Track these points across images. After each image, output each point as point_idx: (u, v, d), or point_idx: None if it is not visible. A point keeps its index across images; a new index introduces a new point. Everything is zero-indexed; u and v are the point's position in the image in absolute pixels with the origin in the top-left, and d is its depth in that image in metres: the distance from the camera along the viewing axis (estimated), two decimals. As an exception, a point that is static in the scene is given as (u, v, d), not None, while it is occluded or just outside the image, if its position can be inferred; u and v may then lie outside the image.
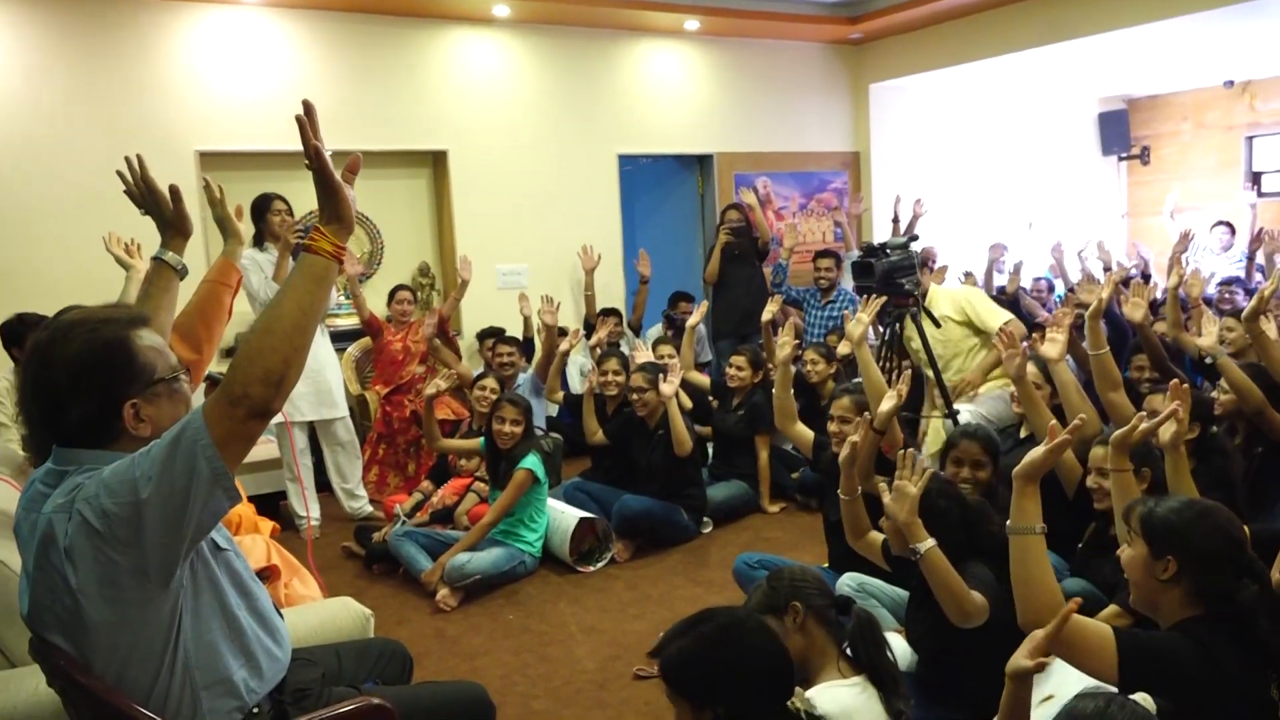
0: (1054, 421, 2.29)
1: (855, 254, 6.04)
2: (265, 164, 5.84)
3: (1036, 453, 2.07)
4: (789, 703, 1.68)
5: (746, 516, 5.09)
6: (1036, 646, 1.76)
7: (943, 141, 8.57)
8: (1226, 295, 6.16)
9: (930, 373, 4.60)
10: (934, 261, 7.37)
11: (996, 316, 4.58)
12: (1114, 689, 1.80)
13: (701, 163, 7.66)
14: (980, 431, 3.33)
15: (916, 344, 4.60)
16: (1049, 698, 2.32)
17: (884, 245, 4.66)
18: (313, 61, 5.97)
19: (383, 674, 2.24)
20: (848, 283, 6.67)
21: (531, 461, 4.30)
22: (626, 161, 7.24)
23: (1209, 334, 3.74)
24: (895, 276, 4.56)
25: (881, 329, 5.03)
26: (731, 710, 1.69)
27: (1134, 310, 4.11)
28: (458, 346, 6.30)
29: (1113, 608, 2.71)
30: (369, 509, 5.24)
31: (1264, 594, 1.91)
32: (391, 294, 6.01)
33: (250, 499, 4.36)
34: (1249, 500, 3.40)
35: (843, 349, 5.26)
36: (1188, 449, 3.20)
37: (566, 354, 5.38)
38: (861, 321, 3.80)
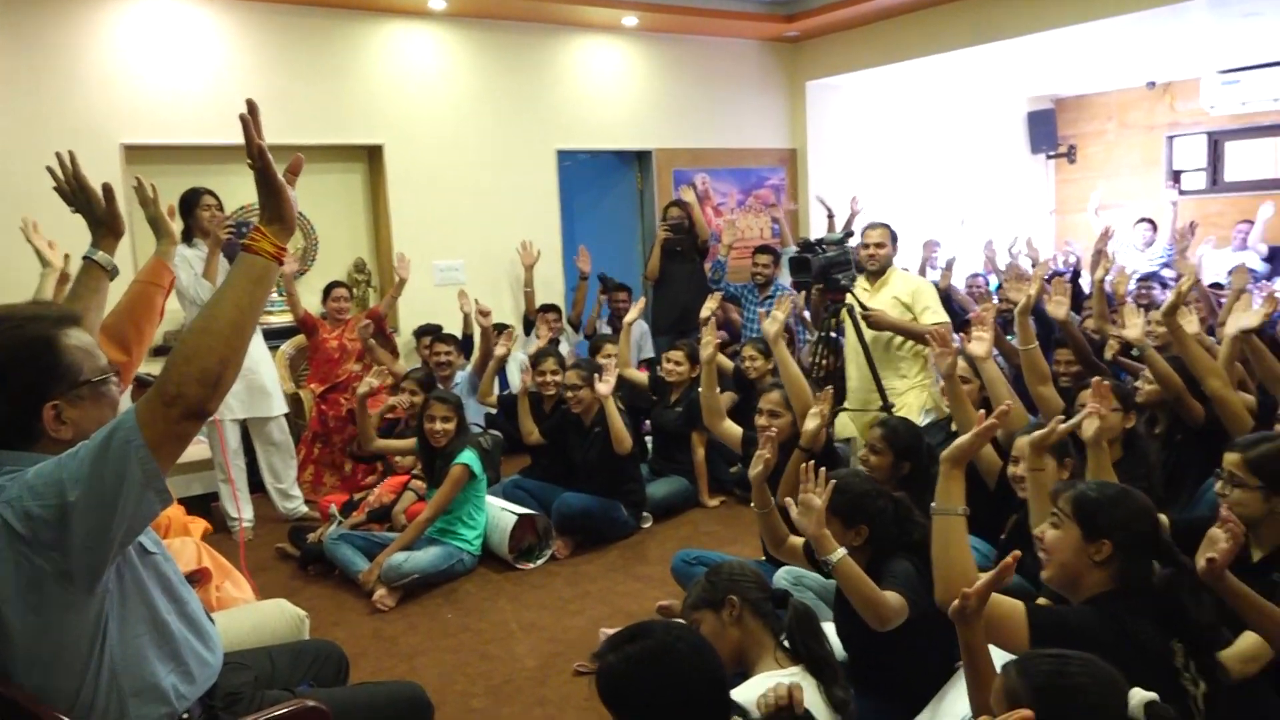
0: (980, 412, 2.35)
1: (793, 250, 6.11)
2: (193, 158, 5.70)
3: (964, 439, 2.15)
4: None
5: (686, 511, 5.12)
6: (973, 590, 1.80)
7: (878, 139, 8.70)
8: (1144, 290, 6.36)
9: (857, 367, 4.66)
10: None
11: (933, 315, 4.55)
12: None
13: (640, 159, 7.67)
14: (890, 421, 3.41)
15: (854, 339, 4.65)
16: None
17: (821, 241, 4.72)
18: (244, 53, 5.84)
19: (318, 676, 2.21)
20: (786, 279, 6.75)
21: (468, 457, 4.27)
22: (565, 157, 7.22)
23: (1135, 326, 3.85)
24: (832, 272, 4.62)
25: (815, 326, 5.10)
26: None
27: (1056, 308, 4.22)
28: (395, 345, 6.24)
29: (1044, 600, 2.78)
30: (304, 509, 5.16)
31: (1180, 574, 2.00)
32: (327, 291, 5.92)
33: (180, 500, 4.27)
34: (1167, 488, 3.53)
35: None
36: (1119, 438, 3.32)
37: (503, 358, 5.32)
38: (776, 320, 3.80)
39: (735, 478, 5.27)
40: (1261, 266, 7.69)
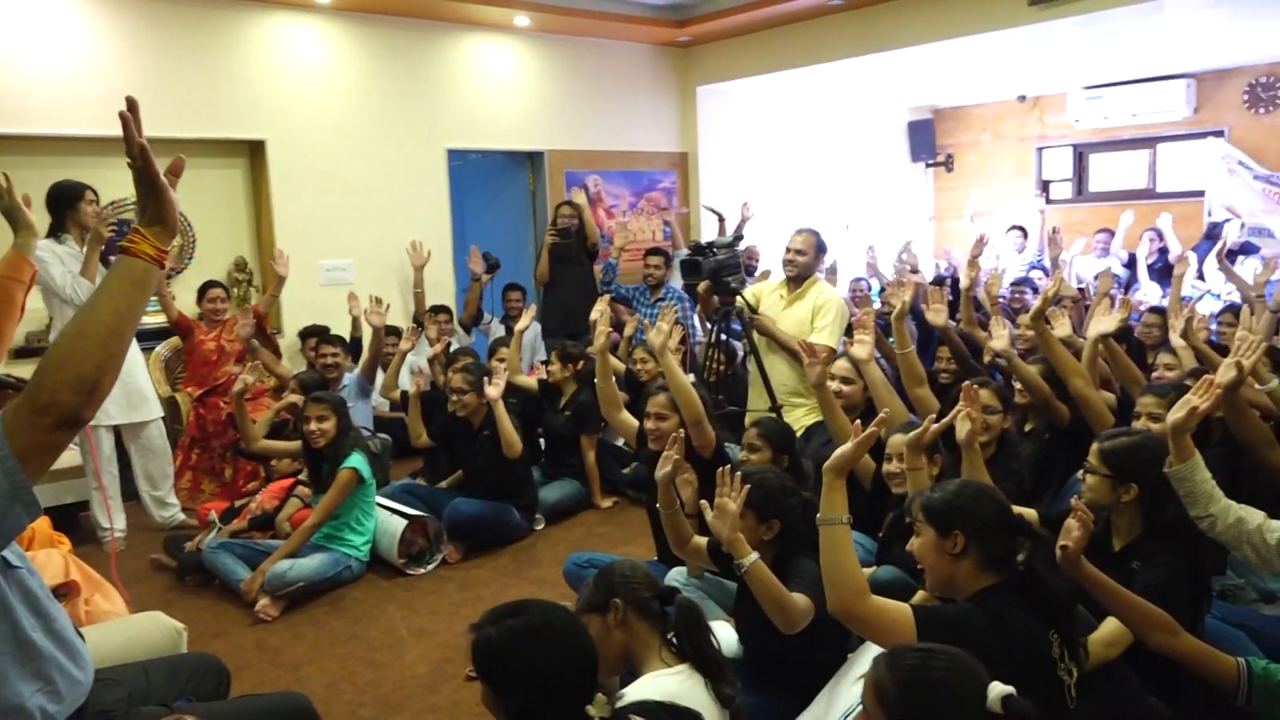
0: (858, 422, 2.42)
1: (684, 252, 6.18)
2: (57, 149, 5.39)
3: (845, 448, 2.20)
4: (587, 709, 1.70)
5: (579, 513, 5.12)
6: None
7: (767, 144, 8.88)
8: (1018, 295, 6.66)
9: (754, 367, 4.75)
10: (757, 261, 7.64)
11: (821, 335, 4.53)
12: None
13: (532, 159, 7.64)
14: (763, 420, 3.51)
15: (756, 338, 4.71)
16: (862, 678, 2.45)
17: (712, 244, 4.79)
18: (113, 40, 5.57)
19: (197, 690, 2.14)
20: (678, 281, 6.82)
21: (356, 461, 4.18)
22: (456, 156, 7.13)
23: (1000, 338, 4.04)
24: (722, 274, 4.70)
25: (709, 326, 5.17)
26: (524, 705, 1.70)
27: (935, 316, 4.39)
28: (277, 345, 6.05)
29: (921, 592, 2.88)
30: (181, 517, 4.96)
31: (1037, 546, 2.12)
32: (202, 291, 5.68)
33: (47, 511, 4.04)
34: (1037, 483, 3.71)
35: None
36: (994, 438, 3.47)
37: (405, 353, 5.24)
38: (662, 331, 3.80)
39: (628, 479, 5.30)
40: (1122, 272, 8.14)
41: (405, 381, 5.40)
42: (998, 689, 1.57)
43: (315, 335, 5.86)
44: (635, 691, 2.06)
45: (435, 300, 6.65)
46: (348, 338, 5.92)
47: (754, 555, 2.37)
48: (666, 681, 2.10)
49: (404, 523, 4.32)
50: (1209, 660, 2.18)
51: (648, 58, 8.10)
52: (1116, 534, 2.78)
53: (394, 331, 6.23)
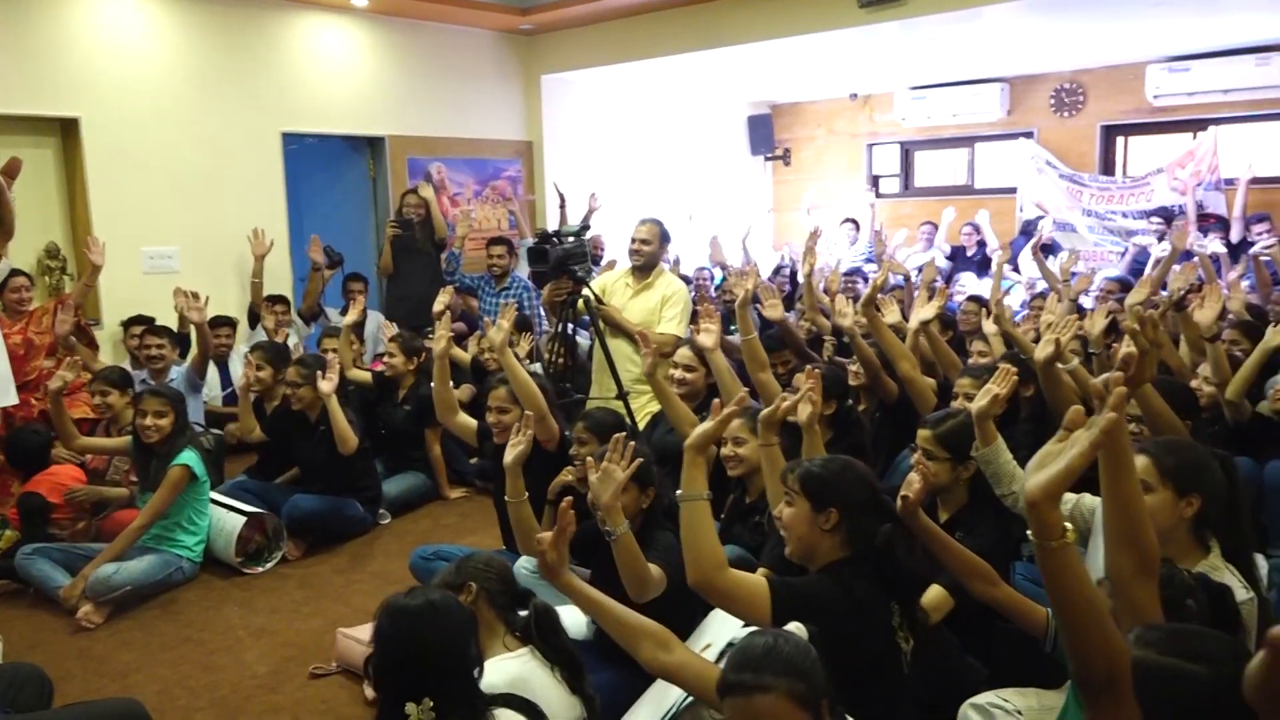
0: (716, 400, 2.50)
1: (530, 241, 6.17)
2: None
3: (706, 425, 2.27)
4: (405, 709, 1.73)
5: (425, 505, 5.05)
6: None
7: (611, 135, 8.94)
8: (849, 285, 6.98)
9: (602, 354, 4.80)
10: (602, 251, 7.70)
11: (670, 324, 4.67)
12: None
13: (373, 145, 7.44)
14: (591, 413, 3.53)
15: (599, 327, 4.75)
16: (708, 646, 2.54)
17: (558, 232, 4.81)
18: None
19: (15, 701, 2.01)
20: (523, 270, 6.81)
21: (188, 458, 3.99)
22: (292, 140, 6.87)
23: (845, 315, 4.28)
24: (569, 263, 4.72)
25: (554, 316, 5.18)
26: (431, 693, 1.71)
27: (771, 311, 4.56)
28: (93, 337, 5.66)
29: (763, 569, 3.00)
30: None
31: (896, 530, 2.25)
32: (3, 281, 5.24)
33: None
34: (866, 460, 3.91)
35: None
36: (825, 422, 3.64)
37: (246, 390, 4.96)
38: (502, 329, 3.79)
39: (476, 469, 5.25)
40: (945, 264, 8.64)
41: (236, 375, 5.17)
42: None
43: (139, 325, 5.53)
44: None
45: (272, 290, 6.39)
46: (176, 329, 5.63)
47: (626, 525, 2.41)
48: (508, 665, 2.12)
49: (241, 520, 4.16)
50: (1023, 609, 2.37)
51: (491, 45, 8.02)
52: (943, 507, 2.97)
53: (226, 322, 5.97)
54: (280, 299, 6.28)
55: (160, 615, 3.77)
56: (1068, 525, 1.44)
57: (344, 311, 6.68)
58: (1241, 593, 2.20)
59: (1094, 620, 1.43)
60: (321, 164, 7.41)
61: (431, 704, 1.74)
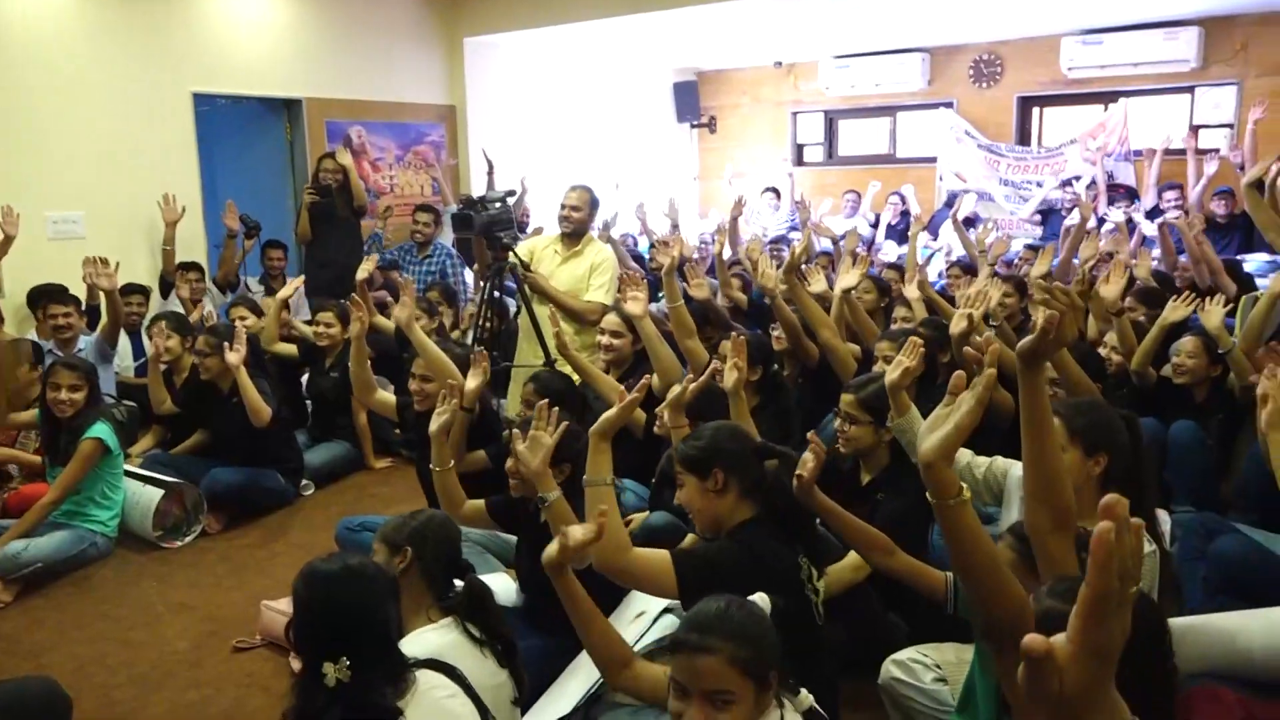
0: (621, 389, 2.51)
1: (454, 208, 6.08)
2: None
3: (610, 414, 2.30)
4: (323, 668, 1.72)
5: (351, 475, 4.97)
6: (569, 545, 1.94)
7: (536, 100, 8.83)
8: (775, 253, 7.04)
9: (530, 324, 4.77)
10: (528, 218, 7.63)
11: (598, 291, 4.66)
12: None
13: (289, 107, 7.22)
14: (540, 375, 3.57)
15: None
16: (641, 614, 2.57)
17: (483, 199, 4.75)
18: None
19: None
20: (448, 237, 6.72)
21: (100, 430, 3.86)
22: (204, 102, 6.62)
23: (769, 278, 4.32)
24: (494, 230, 4.67)
25: (482, 283, 5.13)
26: (349, 654, 1.70)
27: (696, 291, 4.59)
28: (-2, 309, 5.42)
29: (691, 535, 3.04)
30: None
31: (781, 465, 2.32)
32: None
33: None
34: (789, 423, 3.98)
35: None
36: (751, 388, 3.69)
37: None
38: (405, 305, 3.77)
39: (403, 439, 5.19)
40: (868, 232, 8.78)
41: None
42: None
43: (45, 294, 5.30)
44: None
45: (186, 258, 6.18)
46: (84, 299, 5.42)
47: (557, 492, 2.40)
48: (429, 636, 2.10)
49: (159, 494, 4.05)
50: (921, 575, 2.44)
51: (413, 5, 7.83)
52: (865, 469, 3.04)
53: (138, 290, 5.76)
54: (194, 266, 6.08)
55: (74, 592, 3.66)
56: (963, 484, 1.51)
57: (262, 280, 6.54)
58: (1144, 546, 2.30)
59: (992, 572, 1.50)
60: (236, 127, 7.17)
61: (349, 663, 1.72)
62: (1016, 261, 6.67)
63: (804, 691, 1.73)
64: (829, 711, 2.37)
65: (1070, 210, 7.82)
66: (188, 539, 4.12)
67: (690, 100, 10.58)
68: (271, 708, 2.84)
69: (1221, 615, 2.55)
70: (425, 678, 1.82)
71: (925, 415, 2.90)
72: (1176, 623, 2.54)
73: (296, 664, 2.90)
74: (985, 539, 1.53)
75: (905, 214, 8.67)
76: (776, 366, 4.05)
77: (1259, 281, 5.67)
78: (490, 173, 7.39)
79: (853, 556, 2.78)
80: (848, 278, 4.38)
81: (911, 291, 4.70)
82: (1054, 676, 0.85)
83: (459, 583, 2.28)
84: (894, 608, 2.87)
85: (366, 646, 1.76)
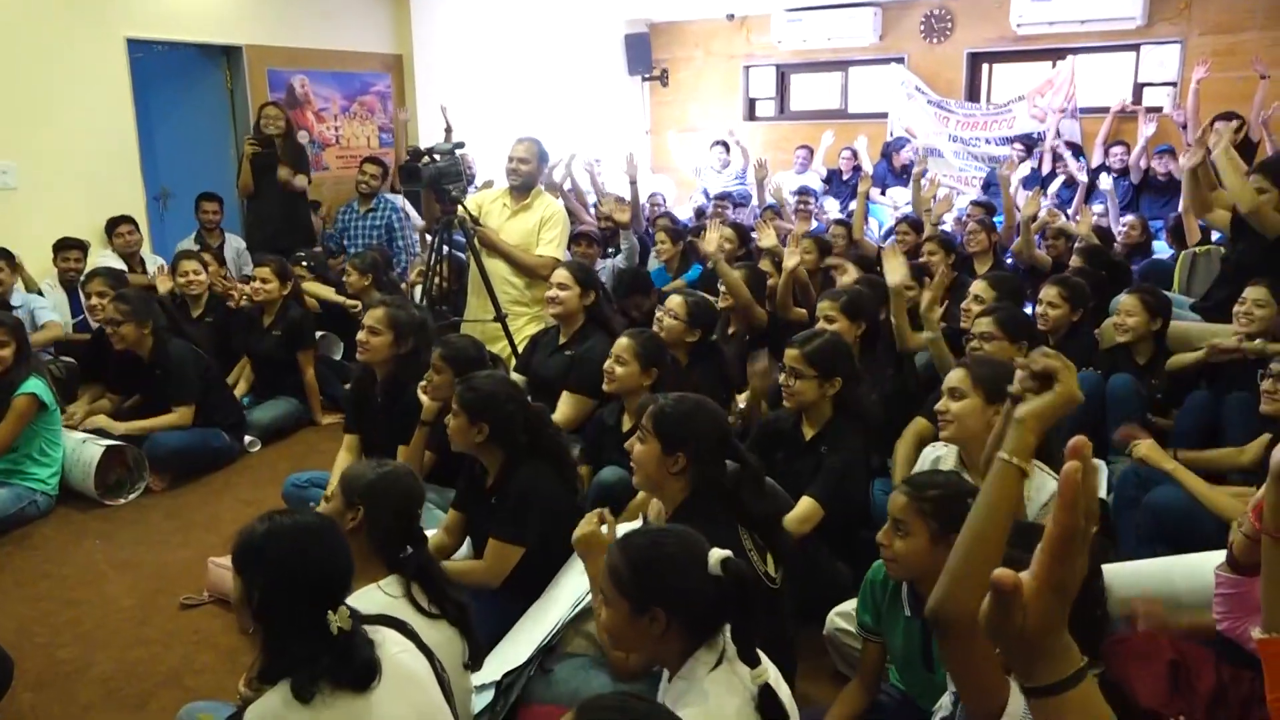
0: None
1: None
2: None
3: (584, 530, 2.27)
4: (328, 616, 1.68)
5: (298, 431, 4.92)
6: None
7: (486, 51, 8.65)
8: (720, 209, 7.05)
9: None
10: (473, 170, 7.51)
11: (549, 245, 4.63)
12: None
13: (229, 55, 6.99)
14: (449, 342, 3.41)
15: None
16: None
17: (430, 150, 4.66)
18: None
19: None
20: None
21: (34, 385, 3.77)
22: (138, 49, 6.38)
23: (711, 241, 4.33)
24: (442, 182, 4.59)
25: (430, 237, 5.06)
26: (267, 599, 1.69)
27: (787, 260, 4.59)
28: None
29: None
30: None
31: (745, 472, 2.33)
32: None
33: None
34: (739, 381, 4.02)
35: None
36: (687, 350, 3.71)
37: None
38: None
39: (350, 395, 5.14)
40: (820, 186, 8.81)
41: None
42: (716, 554, 1.73)
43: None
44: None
45: (122, 211, 5.99)
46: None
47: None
48: (376, 595, 2.08)
49: (99, 449, 3.97)
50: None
51: (356, -50, 7.61)
52: (809, 423, 3.07)
53: (75, 245, 5.58)
54: (127, 219, 5.91)
55: (14, 551, 3.60)
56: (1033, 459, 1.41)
57: (198, 236, 6.33)
58: (1052, 483, 2.40)
59: (988, 557, 1.28)
60: (173, 75, 6.93)
61: (349, 612, 1.71)
62: (964, 219, 6.74)
63: (765, 662, 1.73)
64: (786, 671, 2.44)
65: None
66: (132, 496, 4.06)
67: (642, 52, 10.45)
68: (220, 663, 2.83)
69: (1153, 561, 2.65)
70: (379, 633, 1.81)
71: (871, 377, 2.99)
72: (1112, 568, 2.64)
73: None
74: (1004, 529, 1.32)
75: (857, 169, 8.70)
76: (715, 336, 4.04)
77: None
78: (448, 132, 7.25)
79: (800, 510, 2.83)
80: (791, 259, 4.38)
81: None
82: (1019, 612, 0.89)
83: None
84: (841, 558, 2.93)
85: (339, 596, 1.74)
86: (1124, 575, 2.59)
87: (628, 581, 1.70)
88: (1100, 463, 3.58)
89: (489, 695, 2.32)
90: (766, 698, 1.66)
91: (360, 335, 3.57)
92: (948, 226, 6.72)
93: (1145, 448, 3.09)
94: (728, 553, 1.74)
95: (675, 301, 3.76)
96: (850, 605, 2.54)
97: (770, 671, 1.72)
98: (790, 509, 2.84)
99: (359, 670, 1.67)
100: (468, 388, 2.68)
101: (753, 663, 1.70)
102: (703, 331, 3.75)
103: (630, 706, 1.33)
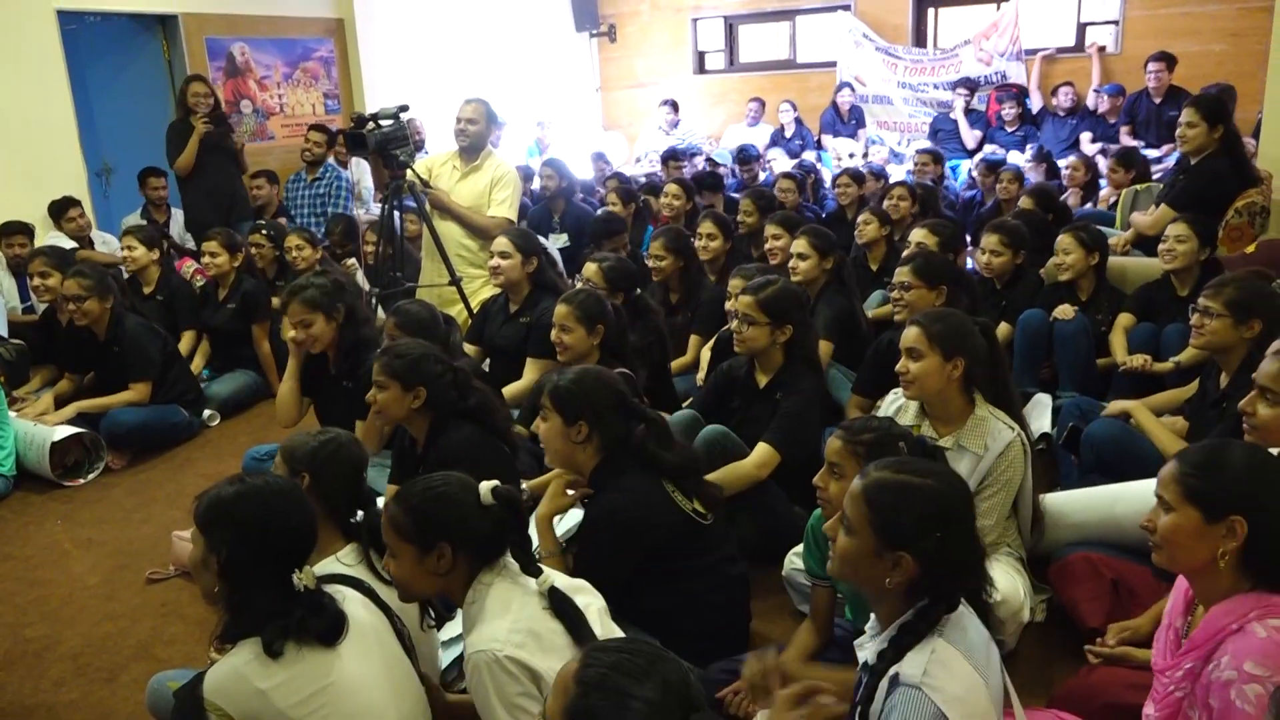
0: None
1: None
2: None
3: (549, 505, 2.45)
4: (294, 576, 1.72)
5: (258, 404, 4.89)
6: None
7: (429, 11, 8.50)
8: (676, 168, 7.06)
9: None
10: (421, 135, 7.43)
11: (501, 206, 4.64)
12: None
13: (165, 24, 6.83)
14: (401, 309, 3.38)
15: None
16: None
17: (375, 115, 4.61)
18: None
19: None
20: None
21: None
22: (69, 19, 6.20)
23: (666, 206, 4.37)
24: (389, 147, 4.54)
25: (381, 203, 5.02)
26: (232, 559, 1.71)
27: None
28: None
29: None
30: None
31: (649, 429, 2.39)
32: None
33: None
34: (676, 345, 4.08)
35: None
36: (618, 310, 3.73)
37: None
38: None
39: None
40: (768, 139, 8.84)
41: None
42: (485, 485, 1.86)
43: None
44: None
45: (66, 191, 5.87)
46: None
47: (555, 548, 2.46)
48: (335, 568, 2.10)
49: (54, 432, 3.93)
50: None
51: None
52: (761, 370, 3.13)
53: (21, 230, 5.45)
54: (73, 202, 5.79)
55: (-27, 536, 3.58)
56: None
57: (144, 212, 6.22)
58: (1008, 432, 2.48)
59: None
60: (109, 48, 6.77)
61: (313, 571, 1.76)
62: (914, 167, 6.81)
63: (549, 571, 1.88)
64: (741, 605, 2.52)
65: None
66: (91, 476, 4.03)
67: (589, 7, 10.31)
68: (189, 634, 2.85)
69: (1094, 489, 2.75)
70: (339, 591, 1.85)
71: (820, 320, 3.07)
72: (1055, 497, 2.75)
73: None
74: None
75: (798, 121, 8.77)
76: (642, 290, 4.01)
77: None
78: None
79: (756, 455, 2.90)
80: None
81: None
82: None
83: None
84: (798, 501, 2.99)
85: (303, 557, 1.77)
86: (1070, 503, 2.70)
87: (409, 526, 1.81)
88: (1045, 396, 3.69)
89: (457, 649, 2.37)
90: (556, 599, 1.82)
91: (297, 335, 3.38)
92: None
93: (1134, 412, 3.11)
94: (495, 482, 1.87)
95: (590, 270, 3.76)
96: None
97: (557, 577, 1.88)
98: (746, 454, 2.91)
99: (329, 623, 1.71)
100: (394, 356, 2.65)
101: (535, 574, 1.85)
102: (624, 294, 3.69)
103: (635, 650, 1.32)
